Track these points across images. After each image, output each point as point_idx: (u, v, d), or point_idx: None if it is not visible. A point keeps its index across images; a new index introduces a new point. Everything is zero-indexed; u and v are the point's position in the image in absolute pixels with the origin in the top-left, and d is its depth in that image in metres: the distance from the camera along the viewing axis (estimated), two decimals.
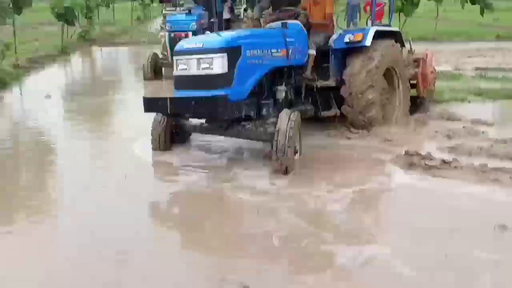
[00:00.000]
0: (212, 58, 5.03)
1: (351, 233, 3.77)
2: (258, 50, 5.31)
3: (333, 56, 6.41)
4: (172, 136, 5.90)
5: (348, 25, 7.77)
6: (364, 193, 4.55)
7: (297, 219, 4.00)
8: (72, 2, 15.63)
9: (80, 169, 5.46)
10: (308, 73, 6.07)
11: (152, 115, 5.73)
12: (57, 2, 15.56)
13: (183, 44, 5.35)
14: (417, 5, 17.08)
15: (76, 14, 16.71)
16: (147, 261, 3.44)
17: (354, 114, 6.19)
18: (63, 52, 16.50)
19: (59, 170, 5.59)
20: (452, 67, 11.78)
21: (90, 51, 18.86)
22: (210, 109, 4.99)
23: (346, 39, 6.26)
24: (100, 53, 18.60)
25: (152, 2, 32.00)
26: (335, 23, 6.76)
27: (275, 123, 5.03)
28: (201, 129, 5.80)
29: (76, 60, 16.67)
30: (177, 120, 5.82)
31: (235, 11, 13.26)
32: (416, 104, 7.36)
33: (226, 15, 11.68)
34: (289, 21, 5.91)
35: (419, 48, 8.39)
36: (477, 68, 11.39)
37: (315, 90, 6.23)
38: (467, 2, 19.02)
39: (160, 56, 11.65)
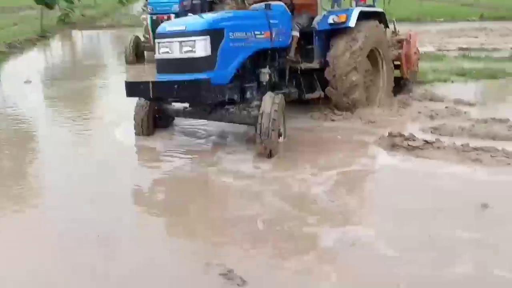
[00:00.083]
0: (194, 41, 4.95)
1: (335, 216, 3.78)
2: (241, 32, 5.24)
3: (317, 37, 6.36)
4: (155, 120, 5.84)
5: (332, 6, 7.73)
6: (348, 175, 4.57)
7: (282, 203, 4.00)
8: None
9: (61, 156, 5.39)
10: (292, 55, 6.03)
11: (134, 100, 5.66)
12: None
13: (165, 27, 5.25)
14: None
15: None
16: (131, 247, 3.42)
17: (338, 96, 6.17)
18: (43, 37, 16.20)
19: (40, 157, 5.52)
20: (435, 47, 11.83)
21: (71, 35, 18.54)
22: (193, 93, 4.94)
23: (330, 20, 6.22)
24: (80, 37, 18.29)
25: None
26: (318, 4, 6.71)
27: (259, 106, 5.00)
28: (185, 113, 5.75)
29: (56, 44, 16.38)
30: (160, 104, 5.76)
31: None
32: (399, 85, 7.38)
33: None
34: (273, 2, 5.86)
35: (403, 29, 8.39)
36: (460, 49, 11.44)
37: (299, 72, 6.19)
38: None
39: (142, 39, 11.49)
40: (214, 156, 5.11)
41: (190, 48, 4.97)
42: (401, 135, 5.20)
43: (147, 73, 9.32)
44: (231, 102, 5.33)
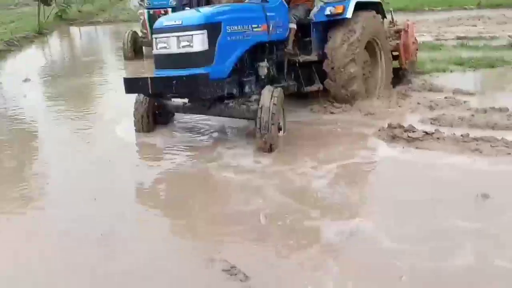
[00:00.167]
0: (191, 35, 4.93)
1: (336, 209, 3.79)
2: (239, 26, 5.22)
3: (314, 29, 6.34)
4: (155, 116, 5.84)
5: None
6: (348, 168, 4.57)
7: (283, 197, 4.01)
8: None
9: (62, 153, 5.40)
10: (289, 47, 6.01)
11: (134, 96, 5.66)
12: None
13: (162, 22, 5.23)
14: None
15: None
16: (133, 243, 3.44)
17: (337, 88, 6.17)
18: (41, 33, 16.16)
19: (41, 155, 5.53)
20: (433, 37, 11.80)
21: (68, 31, 18.49)
22: (191, 88, 4.92)
23: (327, 12, 6.20)
24: (78, 33, 18.24)
25: None
26: None
27: (258, 100, 5.00)
28: (184, 109, 5.75)
29: (54, 41, 16.34)
30: (159, 100, 5.76)
31: None
32: (398, 76, 7.38)
33: None
34: None
35: (400, 19, 8.36)
36: (458, 37, 11.41)
37: (297, 65, 6.18)
38: None
39: (140, 34, 11.46)
40: (214, 151, 5.12)
41: (188, 43, 4.96)
42: (400, 127, 5.20)
43: (146, 69, 9.31)
44: (230, 96, 5.32)
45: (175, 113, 6.10)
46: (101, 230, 3.60)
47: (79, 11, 22.48)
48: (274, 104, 4.87)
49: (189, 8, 6.69)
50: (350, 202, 3.92)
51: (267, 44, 5.72)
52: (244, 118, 5.39)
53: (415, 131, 5.09)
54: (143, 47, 11.43)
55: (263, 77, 5.62)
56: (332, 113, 6.13)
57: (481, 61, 8.62)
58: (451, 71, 8.25)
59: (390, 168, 4.62)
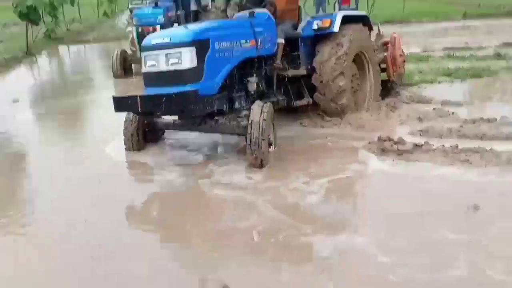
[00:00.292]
0: (180, 52, 4.94)
1: (329, 223, 3.80)
2: (227, 42, 5.24)
3: (302, 44, 6.40)
4: (145, 134, 5.83)
5: (317, 11, 7.77)
6: (339, 182, 4.58)
7: (276, 213, 4.01)
8: (36, 1, 15.16)
9: (52, 174, 5.35)
10: (278, 62, 6.04)
11: (124, 115, 5.65)
12: (19, 1, 15.10)
13: (150, 40, 5.24)
14: None
15: (40, 12, 16.25)
16: (126, 261, 3.41)
17: (326, 102, 6.20)
18: (29, 53, 16.10)
19: (32, 176, 5.47)
20: (420, 48, 11.92)
21: (57, 50, 18.47)
22: (181, 105, 4.92)
23: (314, 26, 6.26)
24: (67, 52, 18.22)
25: None
26: (302, 9, 6.74)
27: (248, 116, 5.01)
28: (174, 126, 5.74)
29: (43, 61, 16.30)
30: (149, 118, 5.74)
31: (203, 1, 13.10)
32: (387, 88, 7.43)
33: (193, 6, 11.53)
34: (257, 10, 5.87)
35: (387, 31, 8.45)
36: (445, 48, 11.55)
37: (286, 79, 6.21)
38: None
39: (129, 52, 11.47)
40: (205, 168, 5.11)
41: (176, 60, 4.96)
42: (390, 139, 5.23)
43: (135, 87, 9.29)
44: (220, 112, 5.33)
45: (165, 131, 6.08)
46: (92, 251, 3.57)
47: (67, 30, 22.49)
48: (264, 119, 4.88)
49: (177, 25, 6.71)
50: (342, 216, 3.92)
51: (256, 59, 5.75)
52: (234, 134, 5.40)
53: (404, 144, 5.12)
54: (133, 65, 11.43)
55: (252, 92, 5.64)
56: (322, 127, 6.16)
57: (468, 71, 8.71)
58: (439, 82, 8.33)
59: (381, 181, 4.63)
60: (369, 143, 5.34)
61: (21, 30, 17.60)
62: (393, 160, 4.95)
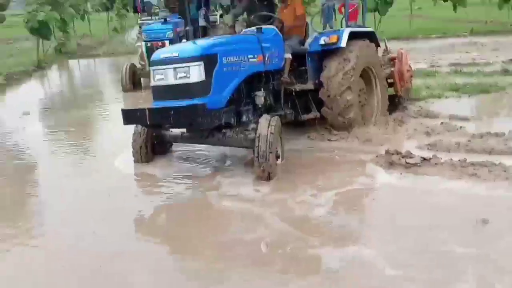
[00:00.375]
0: (188, 67, 5.00)
1: (336, 236, 3.80)
2: (234, 56, 5.30)
3: (309, 59, 6.45)
4: (153, 147, 5.87)
5: (324, 27, 7.83)
6: (347, 195, 4.59)
7: (283, 225, 4.02)
8: (47, 16, 15.41)
9: (60, 186, 5.39)
10: (285, 77, 6.09)
11: (133, 127, 5.70)
12: (30, 16, 15.36)
13: (158, 54, 5.32)
14: (391, 3, 17.29)
15: (51, 27, 16.49)
16: (134, 273, 3.43)
17: (334, 116, 6.23)
18: (40, 67, 16.30)
19: (40, 189, 5.52)
20: (428, 64, 11.94)
21: (67, 64, 18.68)
22: (189, 118, 4.97)
23: (321, 42, 6.32)
24: (77, 66, 18.43)
25: (128, 12, 31.90)
26: (309, 25, 6.81)
27: (255, 129, 5.04)
28: (182, 139, 5.79)
29: (53, 74, 16.49)
30: (157, 131, 5.79)
31: (211, 18, 13.25)
32: (394, 103, 7.45)
33: (201, 22, 11.67)
34: (264, 26, 5.95)
35: (394, 47, 8.49)
36: (452, 64, 11.55)
37: (293, 94, 6.25)
38: None
39: (138, 66, 11.59)
40: (213, 180, 5.13)
41: (185, 74, 5.02)
42: (398, 153, 5.23)
43: (144, 100, 9.37)
44: (228, 126, 5.37)
45: (173, 143, 6.13)
46: (100, 262, 3.59)
47: (78, 45, 22.78)
48: (272, 132, 4.91)
49: (185, 40, 6.80)
50: (350, 229, 3.92)
51: (263, 74, 5.80)
52: (242, 147, 5.43)
53: (412, 157, 5.12)
54: (141, 79, 11.54)
55: (260, 106, 5.68)
56: (329, 140, 6.17)
57: (475, 87, 8.71)
58: (446, 97, 8.33)
59: (389, 194, 4.63)
60: (377, 156, 5.35)
61: (32, 45, 17.86)
62: (401, 173, 4.95)
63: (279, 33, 6.02)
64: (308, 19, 6.93)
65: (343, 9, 7.15)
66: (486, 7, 23.40)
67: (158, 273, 3.44)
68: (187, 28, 6.87)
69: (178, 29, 10.82)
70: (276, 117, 5.21)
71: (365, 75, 6.71)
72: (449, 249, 3.47)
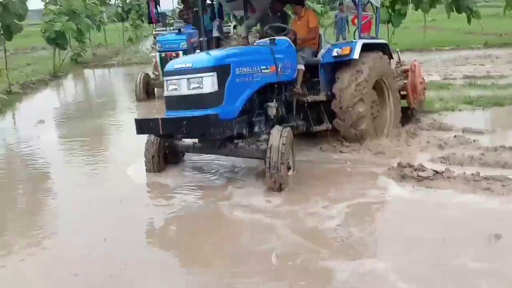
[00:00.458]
0: (201, 77, 5.04)
1: (348, 249, 3.79)
2: (247, 67, 5.33)
3: (322, 70, 6.47)
4: (165, 156, 5.91)
5: (337, 39, 7.86)
6: (358, 207, 4.57)
7: (294, 236, 4.02)
8: (64, 26, 15.66)
9: (73, 194, 5.44)
10: (298, 88, 6.11)
11: (145, 137, 5.75)
12: (48, 26, 15.62)
13: (172, 65, 5.37)
14: (404, 15, 17.28)
15: (68, 37, 16.75)
16: (143, 283, 3.43)
17: (346, 128, 6.22)
18: (56, 76, 16.54)
19: (53, 197, 5.56)
20: (441, 76, 11.88)
21: (83, 74, 18.92)
22: (201, 128, 5.01)
23: (334, 53, 6.33)
24: (92, 76, 18.66)
25: (143, 23, 32.28)
26: (322, 37, 6.84)
27: (267, 140, 5.06)
28: (194, 149, 5.82)
29: (69, 83, 16.71)
30: (169, 140, 5.83)
31: (225, 28, 13.36)
32: (407, 115, 7.42)
33: (215, 33, 11.75)
34: (277, 37, 5.98)
35: (407, 58, 8.47)
36: (466, 77, 11.48)
37: (306, 105, 6.26)
38: (453, 11, 19.30)
39: (152, 76, 11.70)
40: (225, 190, 5.14)
41: (198, 85, 5.06)
42: (410, 166, 5.20)
43: (157, 110, 9.44)
44: (240, 136, 5.39)
45: (185, 153, 6.16)
46: (110, 271, 3.61)
47: (94, 54, 23.09)
48: (283, 143, 4.92)
49: (199, 51, 6.86)
50: (362, 242, 3.90)
51: (276, 85, 5.82)
52: (253, 158, 5.44)
53: (425, 170, 5.08)
54: (155, 89, 11.64)
55: (272, 117, 5.70)
56: (341, 152, 6.15)
57: (489, 99, 8.64)
58: (459, 110, 8.27)
59: (401, 207, 4.60)
60: (389, 169, 5.32)
61: (49, 54, 18.13)
62: (413, 186, 4.92)
63: (292, 44, 6.04)
64: (321, 31, 6.96)
65: (356, 21, 7.18)
66: (500, 20, 23.31)
67: (168, 283, 3.44)
68: (201, 39, 6.93)
69: (192, 40, 10.91)
70: (288, 128, 5.22)
71: (378, 87, 6.70)
72: (462, 263, 3.44)
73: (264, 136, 5.36)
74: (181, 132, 5.13)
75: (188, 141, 5.82)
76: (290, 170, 5.23)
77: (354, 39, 6.73)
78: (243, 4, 7.47)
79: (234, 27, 13.84)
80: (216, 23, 11.89)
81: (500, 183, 4.72)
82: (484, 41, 18.62)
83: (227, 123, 5.11)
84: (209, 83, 5.02)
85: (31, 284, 3.59)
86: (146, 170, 5.82)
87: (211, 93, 5.03)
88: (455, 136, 6.50)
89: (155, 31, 13.99)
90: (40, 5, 17.63)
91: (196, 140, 5.74)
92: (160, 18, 13.57)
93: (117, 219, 4.63)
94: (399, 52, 8.20)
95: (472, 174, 4.95)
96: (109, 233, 4.27)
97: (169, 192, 5.29)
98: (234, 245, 3.99)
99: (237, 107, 5.23)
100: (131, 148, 6.71)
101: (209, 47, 7.29)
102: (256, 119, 5.61)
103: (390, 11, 16.70)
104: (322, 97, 6.34)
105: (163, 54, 10.86)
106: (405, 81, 7.47)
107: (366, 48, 6.40)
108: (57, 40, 15.94)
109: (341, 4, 16.78)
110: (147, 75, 11.62)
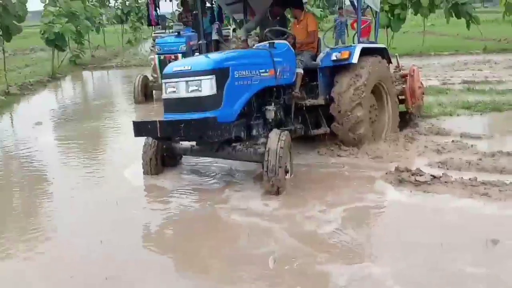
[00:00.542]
0: (200, 80, 5.04)
1: (345, 253, 3.78)
2: (246, 71, 5.33)
3: (321, 74, 6.47)
4: (163, 159, 5.90)
5: (336, 43, 7.87)
6: (356, 211, 4.56)
7: (292, 240, 4.01)
8: (63, 28, 15.65)
9: (71, 196, 5.43)
10: (297, 91, 6.11)
11: (143, 139, 5.74)
12: (47, 28, 15.61)
13: (171, 67, 5.36)
14: (403, 20, 17.33)
15: (67, 39, 16.75)
16: (143, 285, 3.43)
17: (344, 132, 6.22)
18: (54, 78, 16.51)
19: (50, 199, 5.54)
20: (440, 81, 11.89)
21: (81, 75, 18.90)
22: (199, 131, 5.00)
23: (333, 57, 6.33)
24: (91, 77, 18.64)
25: (142, 25, 32.28)
26: (321, 41, 6.85)
27: (265, 144, 5.05)
28: (192, 152, 5.81)
29: (67, 85, 16.68)
30: (167, 143, 5.82)
31: (224, 32, 13.37)
32: (405, 120, 7.43)
33: (214, 36, 11.78)
34: (277, 41, 5.98)
35: (406, 63, 8.48)
36: (464, 82, 11.49)
37: (304, 109, 6.26)
38: (452, 16, 19.35)
39: (151, 78, 11.70)
40: (222, 194, 5.14)
41: (196, 88, 5.05)
42: (408, 170, 5.20)
43: (156, 113, 9.44)
44: (238, 139, 5.39)
45: (183, 156, 6.15)
46: (108, 273, 3.59)
47: (92, 56, 23.08)
48: (281, 147, 4.91)
49: (198, 54, 6.86)
50: (359, 246, 3.89)
51: (274, 88, 5.83)
52: (251, 161, 5.43)
53: (422, 175, 5.08)
54: (153, 91, 11.64)
55: (270, 120, 5.69)
56: (339, 156, 6.15)
57: (488, 105, 8.66)
58: (458, 115, 8.28)
59: (398, 212, 4.60)
60: (387, 173, 5.32)
61: (48, 55, 18.11)
62: (411, 191, 4.91)
63: (291, 48, 6.05)
64: (320, 35, 6.96)
65: (355, 25, 7.19)
66: (499, 25, 23.37)
67: (165, 286, 3.43)
68: (200, 41, 6.93)
69: (191, 43, 10.93)
70: (286, 131, 5.22)
71: (377, 91, 6.71)
72: (459, 268, 3.44)
73: (262, 140, 5.36)
74: (179, 134, 5.12)
75: (186, 144, 5.81)
76: (287, 174, 5.22)
77: (353, 43, 6.74)
78: (242, 7, 7.49)
79: (234, 30, 13.87)
80: (215, 26, 11.97)
81: (497, 188, 4.73)
82: (483, 46, 18.66)
83: (225, 126, 5.10)
84: (207, 86, 5.02)
85: (30, 284, 3.58)
86: (144, 172, 5.80)
87: (209, 96, 5.03)
88: (453, 141, 6.50)
89: (154, 33, 14.01)
90: (40, 7, 17.65)
91: (194, 143, 5.73)
92: (159, 21, 13.58)
93: (114, 221, 4.61)
94: (398, 56, 8.21)
95: (469, 179, 4.95)
96: (106, 235, 4.25)
97: (167, 195, 5.28)
98: (232, 249, 3.97)
99: (236, 110, 5.22)
100: (128, 150, 6.70)
101: (208, 50, 7.30)
102: (254, 122, 5.60)
103: (389, 15, 16.73)
104: (320, 101, 6.34)
105: (162, 57, 10.87)
106: (404, 86, 7.49)
107: (365, 52, 6.41)
108: (56, 42, 15.91)
109: (340, 8, 16.86)
110: (145, 77, 11.61)
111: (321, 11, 28.03)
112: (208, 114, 4.98)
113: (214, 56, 5.47)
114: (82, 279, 3.56)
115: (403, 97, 7.44)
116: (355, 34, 6.98)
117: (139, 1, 32.28)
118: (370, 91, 6.43)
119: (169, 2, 15.46)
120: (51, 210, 5.16)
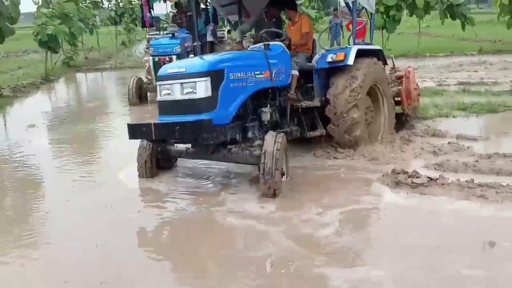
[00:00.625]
0: (195, 82, 5.00)
1: (342, 255, 3.75)
2: (241, 72, 5.29)
3: (316, 76, 6.45)
4: (158, 162, 5.85)
5: (331, 44, 7.85)
6: (353, 214, 4.54)
7: (288, 243, 3.98)
8: (56, 30, 15.56)
9: (65, 199, 5.37)
10: (292, 93, 6.08)
11: (138, 142, 5.69)
12: (40, 29, 15.51)
13: (166, 69, 5.32)
14: (398, 21, 17.35)
15: (60, 40, 16.65)
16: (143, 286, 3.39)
17: (340, 133, 6.19)
18: (47, 80, 16.41)
19: (44, 202, 5.48)
20: (435, 82, 11.90)
21: (75, 77, 18.81)
22: (195, 134, 4.96)
23: (329, 59, 6.31)
24: (85, 79, 18.55)
25: (136, 26, 32.21)
26: (317, 42, 6.82)
27: (261, 146, 5.02)
28: (187, 154, 5.77)
29: (61, 87, 16.59)
30: (162, 145, 5.78)
31: (219, 33, 13.34)
32: (401, 121, 7.41)
33: (209, 38, 11.75)
34: (272, 43, 5.95)
35: (402, 65, 8.47)
36: (460, 83, 11.51)
37: (300, 110, 6.23)
38: (447, 18, 19.40)
39: (145, 80, 11.64)
40: (218, 196, 5.10)
41: (191, 90, 5.01)
42: (404, 172, 5.18)
43: (150, 115, 9.38)
44: (233, 142, 5.35)
45: (178, 159, 6.10)
46: (102, 277, 3.54)
47: (86, 58, 22.97)
48: (277, 149, 4.88)
49: (193, 56, 6.82)
50: (356, 248, 3.86)
51: (270, 90, 5.79)
52: (247, 164, 5.39)
53: (419, 177, 5.06)
54: (148, 93, 11.58)
55: (266, 122, 5.65)
56: (335, 158, 6.12)
57: (483, 106, 8.66)
58: (454, 117, 8.28)
59: (395, 214, 4.58)
60: (383, 175, 5.30)
61: (41, 57, 18.01)
62: (407, 193, 4.89)
63: (287, 49, 6.02)
64: (315, 36, 6.94)
65: (350, 27, 7.17)
66: (494, 26, 23.45)
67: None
68: (195, 43, 6.88)
69: (185, 44, 10.89)
70: (282, 133, 5.19)
71: (372, 93, 6.69)
72: (457, 270, 3.42)
73: (258, 142, 5.32)
74: (174, 137, 5.08)
75: (181, 146, 5.77)
76: (283, 176, 5.19)
77: (349, 45, 6.72)
78: (237, 8, 7.45)
79: (228, 31, 13.84)
80: (210, 27, 11.93)
81: (494, 190, 4.71)
82: (478, 47, 18.71)
83: (221, 128, 5.06)
84: (202, 88, 4.98)
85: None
86: (139, 175, 5.75)
87: (204, 98, 4.99)
88: (449, 142, 6.49)
89: (148, 35, 13.95)
90: (33, 8, 17.55)
91: (189, 146, 5.69)
92: (153, 22, 13.54)
93: (109, 225, 4.56)
94: (393, 58, 8.20)
95: (466, 181, 4.93)
96: (101, 239, 4.21)
97: (162, 198, 5.23)
98: (228, 252, 3.94)
99: (231, 112, 5.18)
100: (123, 153, 6.64)
101: (203, 52, 7.25)
102: (250, 124, 5.56)
103: (384, 17, 16.75)
104: (316, 102, 6.32)
105: (156, 59, 10.82)
106: (400, 87, 7.47)
107: (360, 54, 6.39)
108: (49, 44, 15.82)
109: (335, 10, 16.85)
110: (140, 79, 11.55)
111: (316, 12, 28.04)
112: (203, 116, 4.94)
113: (209, 58, 5.44)
114: (77, 284, 3.52)
115: (399, 98, 7.42)
116: (350, 36, 6.96)
117: (133, 3, 32.21)
118: (366, 93, 6.41)
119: (163, 3, 15.39)
120: (46, 214, 5.10)
